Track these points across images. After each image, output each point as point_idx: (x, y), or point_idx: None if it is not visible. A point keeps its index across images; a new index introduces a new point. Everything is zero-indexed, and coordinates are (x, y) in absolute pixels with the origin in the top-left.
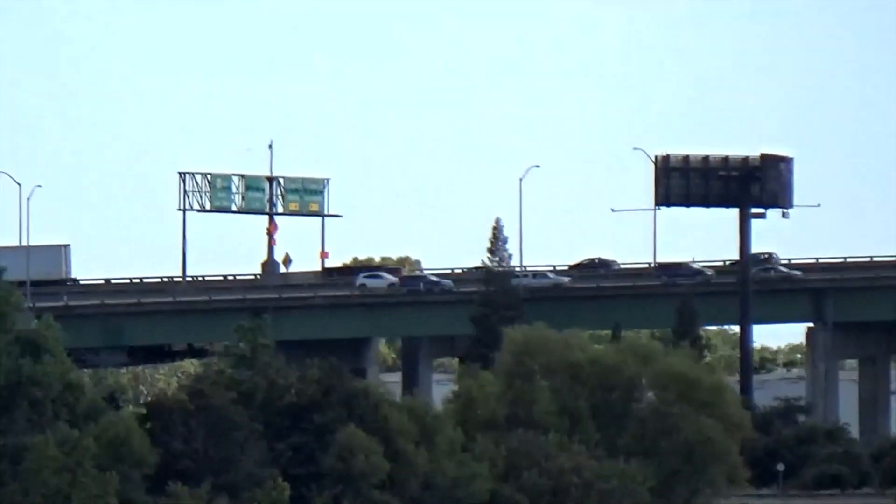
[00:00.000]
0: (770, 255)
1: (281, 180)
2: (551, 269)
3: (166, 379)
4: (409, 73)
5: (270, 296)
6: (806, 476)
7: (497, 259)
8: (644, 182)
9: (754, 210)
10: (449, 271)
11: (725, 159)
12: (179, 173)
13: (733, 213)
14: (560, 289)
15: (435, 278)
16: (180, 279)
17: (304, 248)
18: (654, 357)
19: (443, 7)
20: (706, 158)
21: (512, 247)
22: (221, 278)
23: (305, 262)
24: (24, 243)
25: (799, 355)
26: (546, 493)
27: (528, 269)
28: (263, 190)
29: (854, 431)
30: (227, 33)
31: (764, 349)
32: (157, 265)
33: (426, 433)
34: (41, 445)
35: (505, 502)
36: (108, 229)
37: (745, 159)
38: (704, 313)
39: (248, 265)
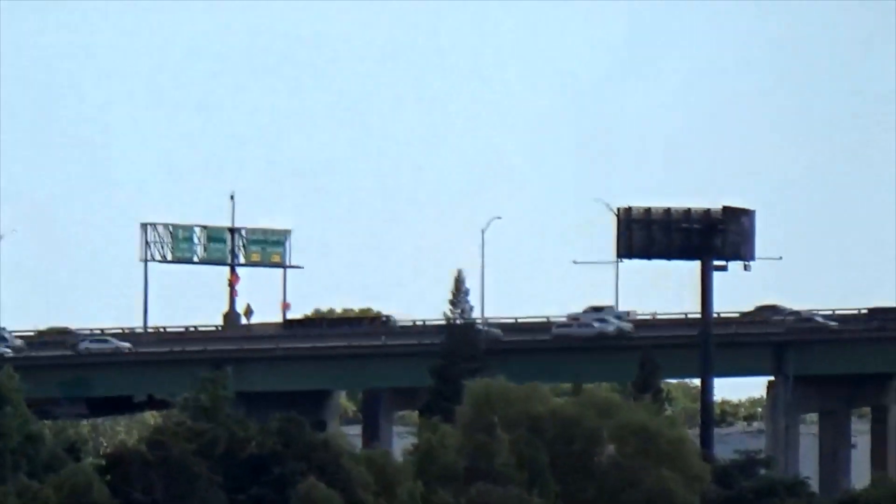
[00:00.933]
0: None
1: (243, 231)
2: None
3: (127, 430)
4: (370, 124)
5: (232, 347)
6: None
7: (459, 311)
8: (606, 234)
9: (716, 262)
10: (411, 323)
11: (688, 212)
12: (141, 224)
13: (695, 266)
14: (521, 341)
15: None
16: (142, 330)
17: (265, 299)
18: (615, 410)
19: (405, 60)
20: (668, 211)
21: (474, 298)
22: (183, 329)
23: (267, 313)
24: None
25: (760, 408)
26: None
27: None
28: (225, 241)
29: (815, 485)
30: (189, 83)
31: (725, 402)
32: (119, 316)
33: (386, 485)
34: (1, 496)
35: None
36: (69, 279)
37: (707, 212)
38: (666, 366)
39: (210, 316)
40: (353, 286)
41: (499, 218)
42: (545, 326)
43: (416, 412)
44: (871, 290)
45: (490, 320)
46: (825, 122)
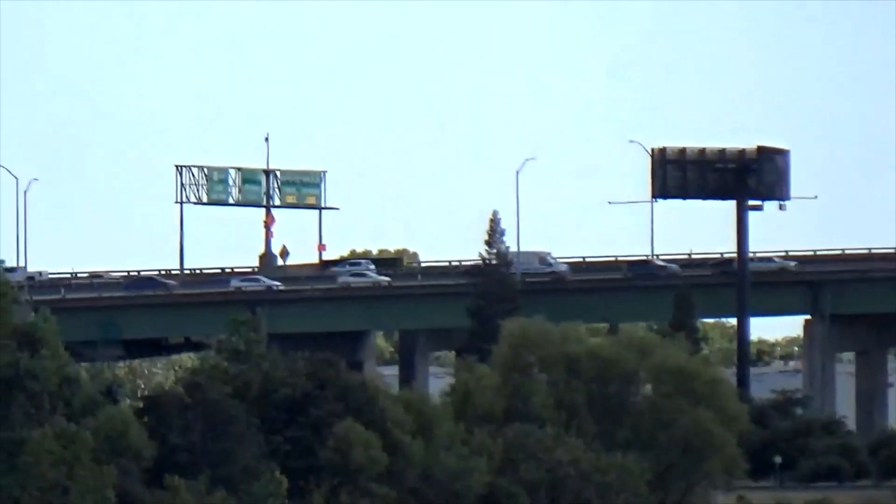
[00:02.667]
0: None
1: (278, 173)
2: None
3: (163, 373)
4: (405, 66)
5: (257, 288)
6: (803, 468)
7: (494, 251)
8: (641, 175)
9: (751, 202)
10: (446, 263)
11: (722, 151)
12: (176, 166)
13: (730, 206)
14: (558, 281)
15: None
16: (178, 272)
17: (301, 240)
18: (652, 350)
19: (439, 2)
20: (703, 151)
21: (509, 239)
22: (219, 271)
23: (302, 254)
24: (22, 237)
25: (796, 348)
26: (543, 486)
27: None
28: (260, 183)
29: (851, 424)
30: (224, 27)
31: (761, 342)
32: (155, 258)
33: (424, 426)
34: (38, 439)
35: (502, 495)
36: (105, 222)
37: (742, 151)
38: (702, 306)
39: (246, 258)
40: (388, 228)
41: (533, 159)
42: (582, 266)
43: (453, 353)
44: None
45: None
46: (862, 61)
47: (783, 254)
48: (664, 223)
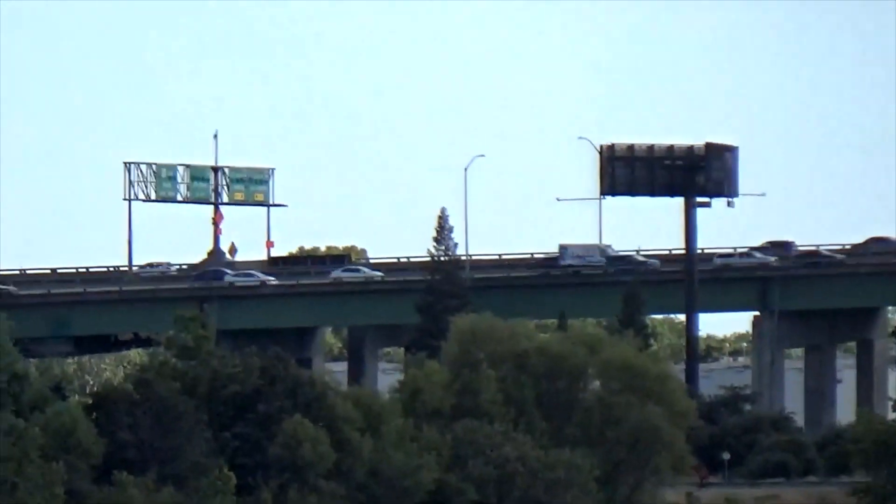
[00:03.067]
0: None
1: (226, 170)
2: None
3: (112, 369)
4: (352, 63)
5: (216, 285)
6: (751, 464)
7: (443, 248)
8: (589, 171)
9: (699, 199)
10: (395, 260)
11: (671, 148)
12: (125, 163)
13: (679, 202)
14: (506, 277)
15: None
16: (126, 269)
17: (249, 237)
18: (600, 346)
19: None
20: (651, 147)
21: (458, 236)
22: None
23: (251, 251)
24: None
25: (745, 344)
26: (492, 483)
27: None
28: (208, 180)
29: (800, 420)
30: (173, 24)
31: (710, 338)
32: (103, 255)
33: (373, 423)
34: None
35: (451, 492)
36: (54, 219)
37: (691, 148)
38: (650, 302)
39: (194, 255)
40: (336, 225)
41: (482, 156)
42: (528, 262)
43: (402, 349)
44: (853, 224)
45: (473, 257)
46: (810, 57)
47: (731, 250)
48: (613, 220)
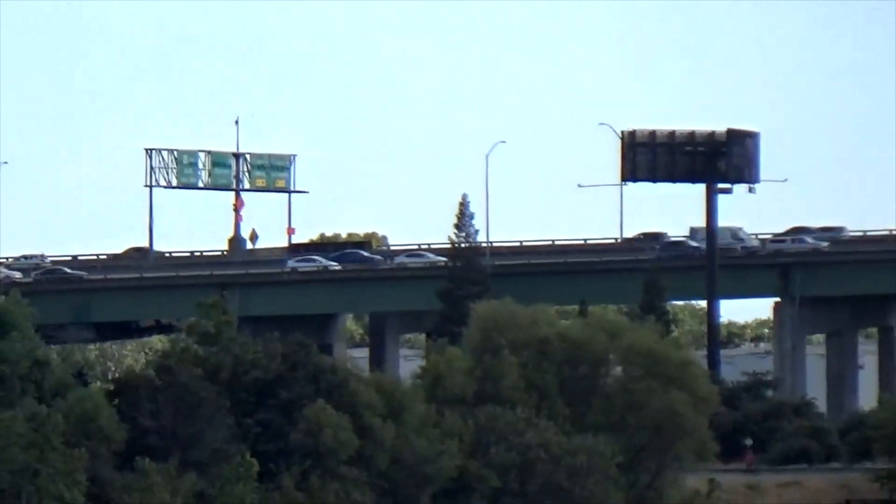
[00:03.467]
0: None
1: (247, 156)
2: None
3: (134, 355)
4: (374, 49)
5: (237, 272)
6: (773, 451)
7: (464, 235)
8: (610, 158)
9: (721, 185)
10: (416, 247)
11: (692, 134)
12: (146, 149)
13: (700, 189)
14: (527, 264)
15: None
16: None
17: (270, 224)
18: (622, 332)
19: None
20: (672, 134)
21: (478, 222)
22: (188, 254)
23: (272, 238)
24: None
25: (766, 330)
26: (513, 469)
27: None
28: (230, 166)
29: (822, 406)
30: (195, 10)
31: (731, 324)
32: (125, 241)
33: (394, 409)
34: (9, 422)
35: (472, 478)
36: (75, 206)
37: (712, 134)
38: (671, 288)
39: (215, 241)
40: (358, 211)
41: (503, 142)
42: (550, 249)
43: (423, 335)
44: (875, 211)
45: (494, 244)
46: (831, 43)
47: (753, 237)
48: (634, 206)
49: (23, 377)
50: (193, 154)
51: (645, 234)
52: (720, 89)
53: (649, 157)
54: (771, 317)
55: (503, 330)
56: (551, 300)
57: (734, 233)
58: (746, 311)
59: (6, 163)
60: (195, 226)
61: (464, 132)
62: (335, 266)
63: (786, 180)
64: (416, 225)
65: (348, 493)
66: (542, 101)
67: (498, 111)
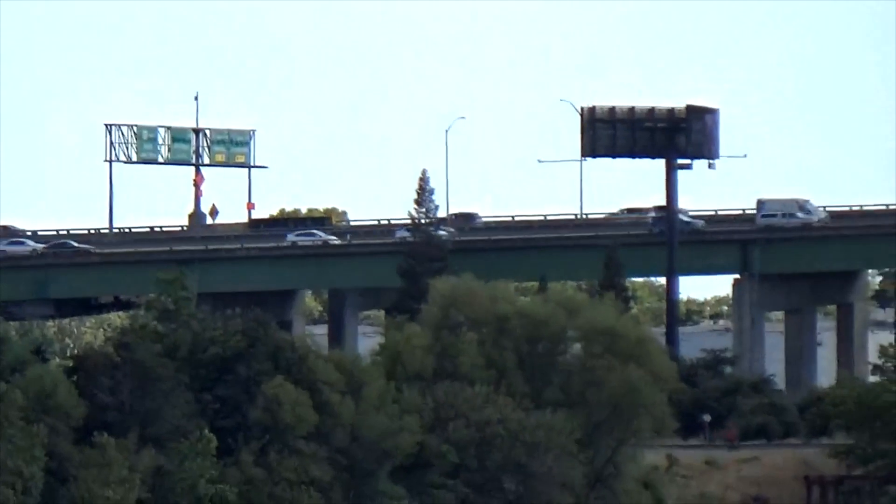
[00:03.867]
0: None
1: (207, 132)
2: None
3: (93, 332)
4: (334, 24)
5: (197, 247)
6: (732, 427)
7: (423, 210)
8: (571, 134)
9: (680, 161)
10: (375, 223)
11: (651, 110)
12: (105, 125)
13: (660, 164)
14: (486, 240)
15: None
16: (107, 231)
17: (230, 199)
18: (581, 309)
19: None
20: (632, 110)
21: (438, 198)
22: (148, 230)
23: (232, 213)
24: None
25: (725, 307)
26: (472, 445)
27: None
28: (189, 141)
29: (780, 383)
30: None
31: (690, 301)
32: (84, 217)
33: (354, 385)
34: None
35: (432, 454)
36: (34, 181)
37: (671, 110)
38: (630, 265)
39: (175, 217)
40: (317, 186)
41: (463, 117)
42: (511, 225)
43: (382, 312)
44: (834, 187)
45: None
46: (789, 18)
47: (712, 213)
48: (594, 182)
49: None
50: (153, 129)
51: (630, 210)
52: (680, 65)
53: (609, 133)
54: (730, 294)
55: (462, 306)
56: (511, 277)
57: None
58: (706, 287)
59: None
60: (155, 201)
61: (424, 107)
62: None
63: (745, 156)
64: (376, 200)
65: (307, 469)
66: (503, 76)
67: (458, 86)
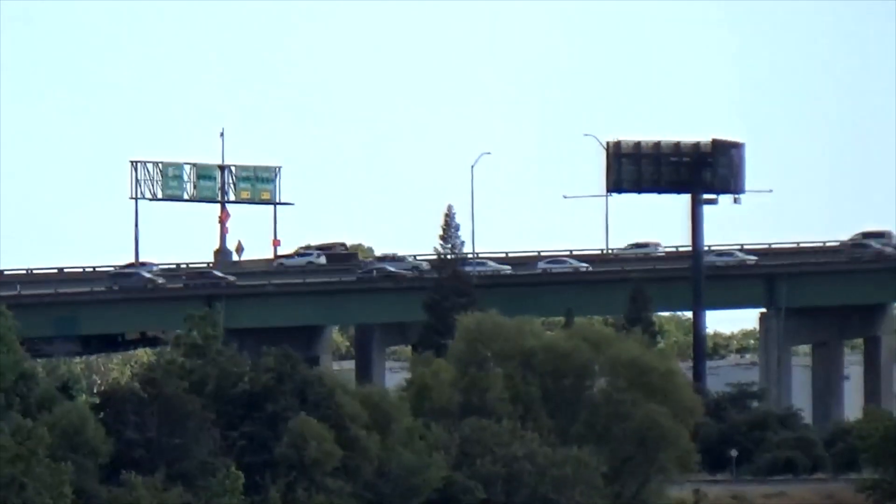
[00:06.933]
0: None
1: (232, 168)
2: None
3: (120, 368)
4: (359, 60)
5: (223, 284)
6: (759, 461)
7: (449, 246)
8: (596, 168)
9: (706, 196)
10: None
11: (677, 145)
12: (131, 162)
13: (685, 199)
14: (512, 275)
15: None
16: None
17: (256, 236)
18: (607, 343)
19: None
20: (658, 144)
21: (464, 234)
22: (174, 266)
23: (258, 250)
24: None
25: (752, 341)
26: (500, 480)
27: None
28: (215, 178)
29: (807, 417)
30: (180, 22)
31: (717, 335)
32: (110, 254)
33: (381, 421)
34: None
35: (459, 490)
36: (60, 218)
37: (697, 145)
38: (657, 299)
39: (201, 254)
40: (343, 222)
41: (488, 153)
42: (535, 260)
43: (409, 347)
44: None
45: (480, 255)
46: (816, 54)
47: (738, 247)
48: (619, 217)
49: (8, 390)
50: (178, 166)
51: (637, 245)
52: (706, 100)
53: (634, 168)
54: (757, 327)
55: (488, 341)
56: (537, 312)
57: None
58: (732, 322)
59: None
60: (181, 238)
61: (449, 143)
62: (322, 261)
63: (771, 191)
64: (401, 236)
65: None
66: (528, 111)
67: (483, 122)
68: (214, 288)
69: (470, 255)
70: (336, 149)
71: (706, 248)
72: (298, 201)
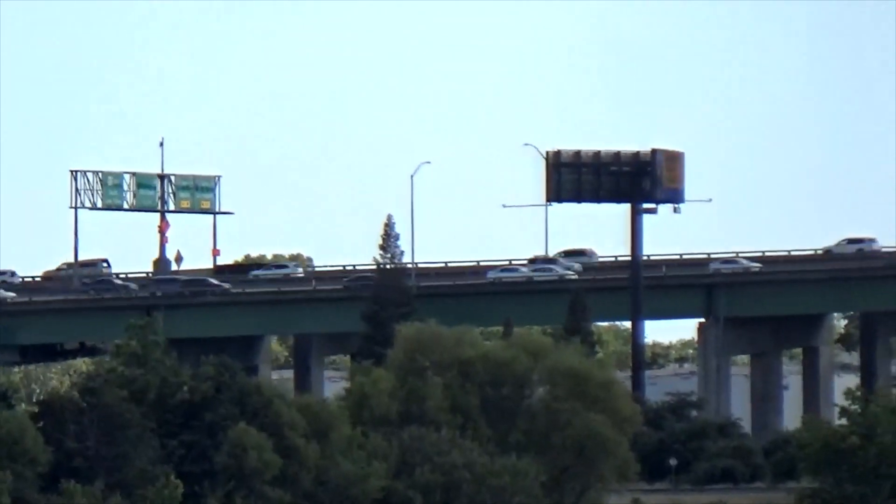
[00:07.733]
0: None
1: (172, 178)
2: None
3: (59, 377)
4: (298, 69)
5: (163, 293)
6: (698, 470)
7: (389, 256)
8: (535, 178)
9: (646, 205)
10: (340, 268)
11: (617, 154)
12: (71, 171)
13: (625, 209)
14: (451, 285)
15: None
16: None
17: (195, 245)
18: (545, 353)
19: (332, 3)
20: (597, 154)
21: (404, 243)
22: (114, 276)
23: (197, 259)
24: None
25: (691, 350)
26: (438, 489)
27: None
28: (155, 188)
29: (746, 426)
30: (119, 30)
31: (656, 345)
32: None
33: (320, 430)
34: None
35: (398, 498)
36: None
37: (637, 154)
38: (596, 308)
39: (140, 263)
40: (283, 232)
41: (428, 163)
42: (475, 269)
43: (348, 357)
44: (797, 232)
45: (419, 265)
46: (754, 63)
47: (677, 257)
48: (559, 226)
49: None
50: (118, 176)
51: (567, 252)
52: (645, 110)
53: (574, 178)
54: (695, 337)
55: (427, 351)
56: (476, 321)
57: None
58: (671, 331)
59: None
60: (120, 248)
61: (389, 152)
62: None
63: (710, 200)
64: (341, 246)
65: None
66: (467, 121)
67: (423, 131)
68: (153, 298)
69: (410, 265)
70: (276, 158)
71: (644, 258)
72: (238, 210)
